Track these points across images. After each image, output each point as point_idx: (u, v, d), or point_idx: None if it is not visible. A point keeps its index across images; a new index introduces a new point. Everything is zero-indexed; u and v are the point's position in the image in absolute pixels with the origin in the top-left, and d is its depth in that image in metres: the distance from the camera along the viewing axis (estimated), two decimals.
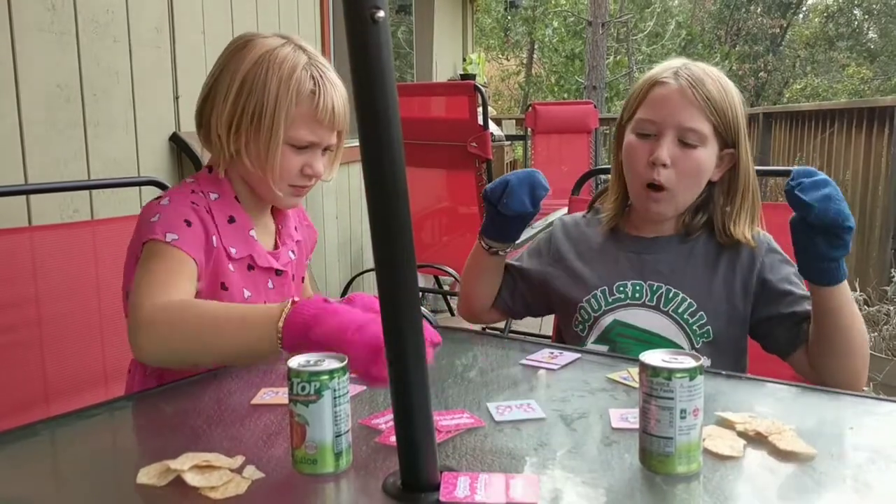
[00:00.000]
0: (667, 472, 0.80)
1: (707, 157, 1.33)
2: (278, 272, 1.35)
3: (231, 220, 1.28)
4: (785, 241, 1.36)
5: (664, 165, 1.31)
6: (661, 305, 1.36)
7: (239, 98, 1.23)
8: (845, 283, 1.20)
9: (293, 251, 1.40)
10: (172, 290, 1.11)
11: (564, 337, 1.50)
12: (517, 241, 1.45)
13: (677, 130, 1.31)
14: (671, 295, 1.36)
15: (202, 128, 1.30)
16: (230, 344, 1.02)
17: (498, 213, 1.35)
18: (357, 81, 0.69)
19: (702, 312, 1.34)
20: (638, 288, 1.38)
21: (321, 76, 1.25)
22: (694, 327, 1.34)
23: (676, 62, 1.37)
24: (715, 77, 1.34)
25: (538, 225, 2.47)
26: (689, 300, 1.35)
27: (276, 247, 1.38)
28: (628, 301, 1.38)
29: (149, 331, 1.04)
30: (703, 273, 1.37)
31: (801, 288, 1.33)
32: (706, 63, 1.39)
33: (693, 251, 1.39)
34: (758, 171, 1.43)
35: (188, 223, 1.20)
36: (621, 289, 1.39)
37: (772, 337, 1.35)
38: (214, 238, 1.24)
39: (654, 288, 1.37)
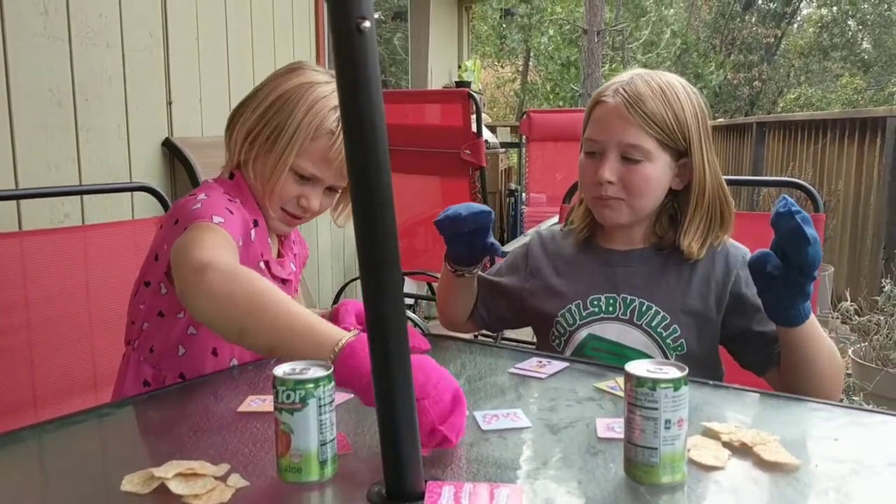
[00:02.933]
0: (651, 482, 0.81)
1: (654, 170, 1.32)
2: (284, 281, 1.38)
3: (255, 223, 1.31)
4: (756, 247, 1.37)
5: (610, 183, 1.32)
6: (635, 319, 1.35)
7: (266, 113, 1.28)
8: (810, 318, 1.17)
9: (293, 263, 1.44)
10: (231, 255, 1.11)
11: (541, 351, 1.48)
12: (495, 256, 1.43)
13: (619, 147, 1.31)
14: (644, 308, 1.35)
15: (228, 129, 1.34)
16: (281, 342, 0.95)
17: (448, 236, 1.35)
18: (343, 91, 0.69)
19: (675, 325, 1.34)
20: (611, 301, 1.37)
21: None
22: (667, 340, 1.34)
23: (625, 75, 1.35)
24: (658, 89, 1.31)
25: (529, 233, 2.47)
26: (662, 313, 1.34)
27: (279, 256, 1.41)
28: (602, 315, 1.37)
29: (209, 287, 0.99)
30: (677, 286, 1.36)
31: None
32: (675, 72, 1.39)
33: (666, 264, 1.38)
34: (742, 181, 1.43)
35: (230, 211, 1.22)
36: (595, 302, 1.38)
37: (744, 355, 1.35)
38: (253, 232, 1.28)
39: (628, 301, 1.36)
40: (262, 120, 1.28)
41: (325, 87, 1.29)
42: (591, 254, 1.44)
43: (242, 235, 1.24)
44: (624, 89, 1.31)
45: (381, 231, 0.71)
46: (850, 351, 3.18)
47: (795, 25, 21.79)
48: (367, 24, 0.67)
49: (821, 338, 1.21)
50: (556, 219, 1.97)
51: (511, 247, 1.47)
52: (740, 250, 1.39)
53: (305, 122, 1.26)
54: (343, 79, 0.68)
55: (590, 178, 1.35)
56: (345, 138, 0.70)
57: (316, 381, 0.81)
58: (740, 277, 1.34)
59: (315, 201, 1.33)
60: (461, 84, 6.49)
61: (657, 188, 1.34)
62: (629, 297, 1.36)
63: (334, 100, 1.27)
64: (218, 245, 1.11)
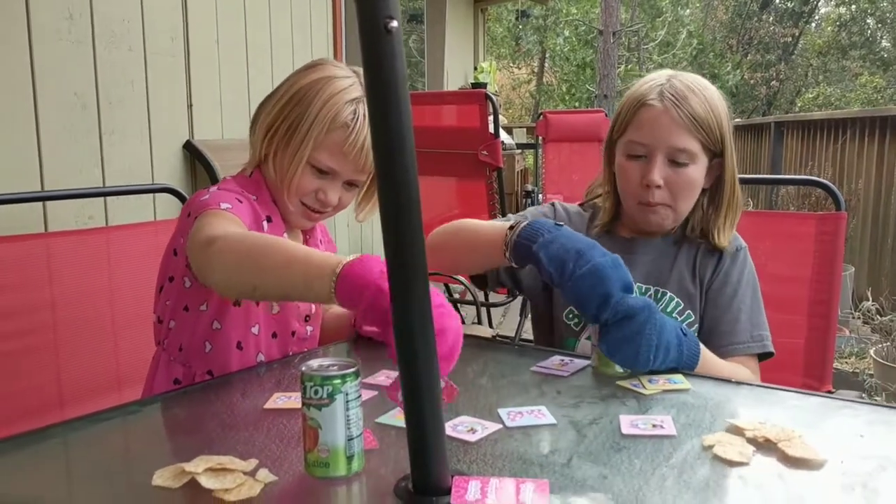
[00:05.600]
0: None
1: (698, 172, 1.36)
2: None
3: (269, 219, 1.33)
4: (779, 248, 1.38)
5: (658, 187, 1.34)
6: None
7: (286, 108, 1.29)
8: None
9: None
10: (239, 229, 1.15)
11: (541, 325, 1.50)
12: None
13: (667, 151, 1.34)
14: (660, 295, 1.40)
15: (252, 127, 1.36)
16: (286, 278, 1.02)
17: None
18: (370, 91, 0.70)
19: (689, 311, 1.39)
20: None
21: (366, 115, 1.28)
22: (684, 325, 1.35)
23: (661, 77, 1.37)
24: (699, 90, 1.35)
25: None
26: (676, 299, 1.40)
27: None
28: None
29: (219, 250, 1.07)
30: (688, 277, 1.41)
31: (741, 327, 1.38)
32: (693, 73, 1.41)
33: (678, 255, 1.43)
34: (763, 181, 1.45)
35: (238, 200, 1.25)
36: None
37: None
38: (265, 225, 1.30)
39: (643, 290, 1.41)
40: (281, 114, 1.29)
41: (343, 81, 1.29)
42: (610, 243, 1.44)
43: (251, 224, 1.26)
44: (670, 93, 1.33)
45: (408, 227, 0.72)
46: (871, 351, 3.16)
47: (813, 24, 21.63)
48: (394, 23, 0.67)
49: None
50: None
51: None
52: (744, 253, 1.44)
53: (321, 115, 1.26)
54: (371, 78, 0.69)
55: (635, 182, 1.37)
56: (372, 137, 0.71)
57: (343, 377, 0.82)
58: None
59: (333, 195, 1.33)
60: (477, 85, 6.51)
61: (697, 189, 1.38)
62: (644, 286, 1.41)
63: (352, 93, 1.28)
64: (225, 224, 1.15)
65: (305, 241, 1.44)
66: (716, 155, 1.38)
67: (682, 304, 1.40)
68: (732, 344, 1.36)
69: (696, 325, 1.40)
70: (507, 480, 0.80)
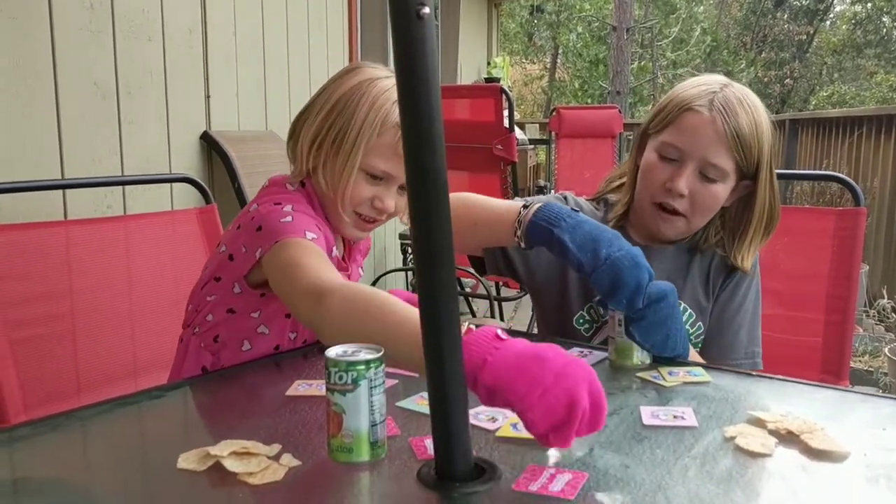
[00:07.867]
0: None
1: (724, 190, 1.33)
2: None
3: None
4: (797, 244, 1.37)
5: (681, 195, 1.31)
6: None
7: (329, 116, 1.24)
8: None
9: (362, 268, 1.43)
10: (336, 273, 1.10)
11: (549, 325, 1.47)
12: None
13: (700, 163, 1.31)
14: None
15: (292, 138, 1.31)
16: (394, 348, 0.90)
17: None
18: (401, 77, 0.70)
19: (700, 323, 1.38)
20: None
21: None
22: (691, 337, 1.36)
23: (714, 84, 1.33)
24: (750, 108, 1.31)
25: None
26: (689, 310, 1.38)
27: (342, 260, 1.37)
28: None
29: (329, 308, 0.99)
30: (701, 289, 1.40)
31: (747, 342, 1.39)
32: (743, 85, 1.36)
33: (691, 266, 1.41)
34: (779, 175, 1.42)
35: (318, 228, 1.21)
36: None
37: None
38: (334, 250, 1.26)
39: None
40: (325, 123, 1.24)
41: (385, 81, 1.24)
42: None
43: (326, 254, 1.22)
44: (721, 103, 1.29)
45: (436, 212, 0.72)
46: (886, 349, 3.14)
47: (828, 22, 21.47)
48: (426, 9, 0.68)
49: None
50: None
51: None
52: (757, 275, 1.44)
53: (370, 118, 1.21)
54: (402, 64, 0.70)
55: (659, 183, 1.33)
56: (402, 122, 0.72)
57: (367, 362, 0.82)
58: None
59: (390, 201, 1.27)
60: (490, 80, 6.50)
61: (717, 207, 1.36)
62: None
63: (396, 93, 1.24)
64: (322, 265, 1.10)
65: (347, 251, 1.39)
66: (745, 176, 1.34)
67: (695, 316, 1.38)
68: (727, 359, 1.36)
69: (703, 338, 1.39)
70: (547, 469, 0.80)
